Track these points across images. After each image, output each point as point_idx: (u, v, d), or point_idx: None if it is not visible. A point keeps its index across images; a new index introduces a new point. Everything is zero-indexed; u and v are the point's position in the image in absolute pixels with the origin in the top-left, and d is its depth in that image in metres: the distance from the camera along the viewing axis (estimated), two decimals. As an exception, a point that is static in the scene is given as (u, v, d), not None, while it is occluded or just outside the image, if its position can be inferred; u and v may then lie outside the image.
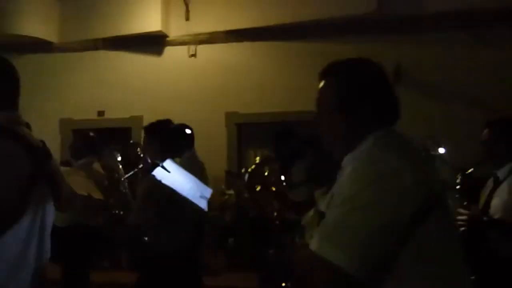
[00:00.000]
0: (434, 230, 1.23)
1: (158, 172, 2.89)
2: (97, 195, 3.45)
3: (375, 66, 1.51)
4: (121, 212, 3.55)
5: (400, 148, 1.34)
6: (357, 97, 1.42)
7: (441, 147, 5.02)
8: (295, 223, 3.38)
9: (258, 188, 3.64)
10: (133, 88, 7.38)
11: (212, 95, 7.24)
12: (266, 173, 4.67)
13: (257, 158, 3.82)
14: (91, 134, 4.22)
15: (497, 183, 2.89)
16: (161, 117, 6.78)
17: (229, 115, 7.25)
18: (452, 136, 5.46)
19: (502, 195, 2.80)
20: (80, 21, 7.31)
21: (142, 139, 7.12)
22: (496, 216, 2.77)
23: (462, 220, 2.77)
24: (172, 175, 2.90)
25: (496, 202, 2.82)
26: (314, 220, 2.97)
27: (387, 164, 1.25)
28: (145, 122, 7.96)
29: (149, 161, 3.51)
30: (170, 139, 3.41)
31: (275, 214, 3.22)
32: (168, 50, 7.47)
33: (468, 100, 6.58)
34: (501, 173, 2.88)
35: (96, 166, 4.10)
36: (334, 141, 1.46)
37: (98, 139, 4.29)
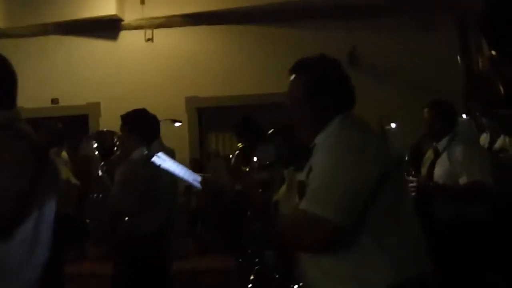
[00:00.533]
0: (393, 192, 1.58)
1: (156, 160, 2.97)
2: (73, 180, 3.46)
3: (335, 63, 1.78)
4: (100, 195, 3.62)
5: (362, 127, 1.70)
6: (321, 89, 1.72)
7: (392, 123, 5.69)
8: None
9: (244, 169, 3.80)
10: (89, 74, 7.19)
11: (171, 80, 7.18)
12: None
13: (239, 145, 3.91)
14: (59, 125, 4.19)
15: (438, 155, 3.35)
16: (120, 104, 6.77)
17: (189, 100, 7.24)
18: (400, 115, 5.85)
19: (444, 164, 3.26)
20: (28, 4, 6.99)
21: (100, 127, 7.04)
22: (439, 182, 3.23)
23: (412, 187, 3.13)
24: (166, 163, 2.98)
25: (438, 170, 3.28)
26: (288, 194, 3.16)
27: (355, 139, 1.60)
28: (103, 109, 7.95)
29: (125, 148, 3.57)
30: (149, 128, 3.47)
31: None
32: (124, 35, 7.31)
33: (414, 83, 6.95)
34: (440, 146, 3.33)
35: (64, 155, 4.10)
36: (305, 125, 1.77)
37: (63, 129, 4.25)
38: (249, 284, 2.62)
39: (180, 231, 5.76)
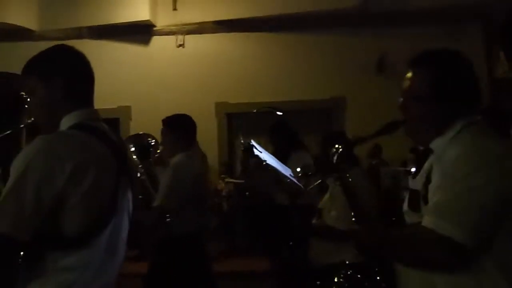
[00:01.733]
0: None
1: (257, 153, 3.01)
2: None
3: (464, 57, 1.59)
4: (140, 197, 3.66)
5: (497, 137, 1.50)
6: (450, 86, 1.52)
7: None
8: (308, 207, 3.56)
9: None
10: (120, 78, 7.28)
11: (201, 85, 7.26)
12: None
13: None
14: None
15: None
16: (150, 107, 6.87)
17: (219, 105, 7.31)
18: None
19: None
20: (62, 8, 7.11)
21: (131, 130, 7.09)
22: None
23: None
24: (264, 155, 3.04)
25: None
26: (331, 203, 3.13)
27: (491, 150, 1.40)
28: (133, 113, 8.02)
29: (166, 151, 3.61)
30: (191, 132, 3.56)
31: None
32: (156, 40, 7.42)
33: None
34: None
35: None
36: (422, 126, 1.57)
37: None
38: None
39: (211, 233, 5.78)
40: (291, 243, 3.35)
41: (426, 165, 1.55)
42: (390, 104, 7.38)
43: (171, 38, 7.36)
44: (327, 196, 3.15)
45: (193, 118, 6.22)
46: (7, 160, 1.56)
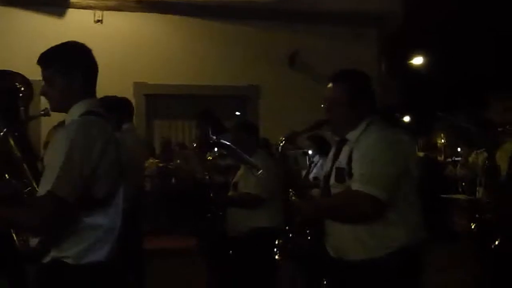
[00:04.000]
0: (408, 178, 2.11)
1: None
2: None
3: (367, 76, 2.30)
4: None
5: (389, 128, 2.20)
6: (359, 96, 2.21)
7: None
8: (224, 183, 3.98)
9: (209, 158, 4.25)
10: (30, 50, 6.77)
11: (119, 64, 7.13)
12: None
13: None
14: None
15: None
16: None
17: (137, 85, 7.28)
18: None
19: None
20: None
21: (41, 106, 6.80)
22: None
23: None
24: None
25: None
26: (244, 176, 3.56)
27: (390, 138, 2.13)
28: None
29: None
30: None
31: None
32: (72, 13, 7.12)
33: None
34: None
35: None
36: (341, 123, 2.23)
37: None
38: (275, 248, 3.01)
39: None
40: (208, 215, 3.65)
41: (346, 150, 2.19)
42: (300, 95, 8.19)
43: (89, 12, 7.12)
44: (240, 171, 3.55)
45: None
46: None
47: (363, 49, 7.93)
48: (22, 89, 2.37)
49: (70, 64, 1.88)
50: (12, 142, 2.05)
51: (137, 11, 7.30)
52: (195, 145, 4.86)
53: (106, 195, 1.79)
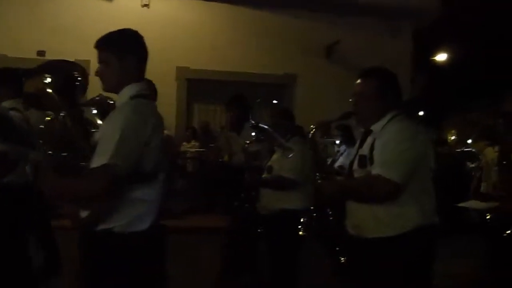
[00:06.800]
0: (424, 165, 2.30)
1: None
2: None
3: (393, 73, 2.46)
4: None
5: (411, 121, 2.40)
6: (386, 91, 2.37)
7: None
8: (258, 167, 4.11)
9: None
10: (79, 31, 7.18)
11: (164, 48, 7.35)
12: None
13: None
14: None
15: None
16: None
17: (180, 70, 7.53)
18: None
19: None
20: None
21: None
22: None
23: None
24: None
25: None
26: (280, 160, 3.69)
27: (411, 129, 2.31)
28: (92, 68, 7.85)
29: None
30: None
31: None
32: (120, -4, 7.40)
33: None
34: None
35: None
36: (367, 116, 2.40)
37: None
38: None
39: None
40: (242, 195, 3.81)
41: (370, 139, 2.35)
42: (334, 86, 8.26)
43: (137, -4, 7.39)
44: (275, 156, 3.70)
45: (153, 81, 6.49)
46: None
47: (398, 44, 7.98)
48: (79, 78, 2.45)
49: (126, 49, 2.00)
50: (69, 124, 2.19)
51: (183, -3, 7.52)
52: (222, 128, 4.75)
53: (154, 170, 1.92)
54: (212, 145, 5.10)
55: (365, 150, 2.35)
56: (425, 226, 2.23)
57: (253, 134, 4.19)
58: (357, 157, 2.40)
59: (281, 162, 3.55)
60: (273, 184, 3.56)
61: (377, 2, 7.81)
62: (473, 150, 5.29)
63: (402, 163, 2.20)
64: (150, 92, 2.07)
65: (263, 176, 3.69)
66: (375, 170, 2.23)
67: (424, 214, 2.24)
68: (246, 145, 4.19)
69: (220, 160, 4.61)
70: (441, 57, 14.65)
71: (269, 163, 3.73)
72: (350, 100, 2.44)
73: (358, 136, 2.55)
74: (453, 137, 8.99)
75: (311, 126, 2.68)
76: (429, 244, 2.28)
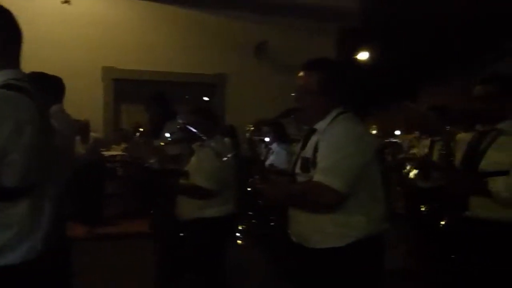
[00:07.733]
0: (372, 170, 2.09)
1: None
2: None
3: (340, 65, 2.33)
4: None
5: (358, 121, 2.17)
6: (331, 85, 2.14)
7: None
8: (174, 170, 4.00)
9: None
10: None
11: (88, 48, 7.11)
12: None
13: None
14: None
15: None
16: (33, 67, 6.48)
17: (106, 70, 7.26)
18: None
19: None
20: None
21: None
22: None
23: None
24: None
25: None
26: (198, 164, 3.56)
27: (356, 131, 2.08)
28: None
29: None
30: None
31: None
32: (38, -8, 6.98)
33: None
34: None
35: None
36: (311, 113, 2.17)
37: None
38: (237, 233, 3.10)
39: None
40: (160, 200, 3.67)
41: (314, 139, 2.15)
42: (264, 85, 8.37)
43: (55, -8, 7.01)
44: (193, 159, 3.46)
45: (78, 81, 6.22)
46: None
47: (323, 43, 8.20)
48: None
49: None
50: None
51: (106, -6, 7.25)
52: (142, 130, 4.39)
53: (25, 183, 1.49)
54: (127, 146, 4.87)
55: (308, 151, 2.14)
56: (373, 235, 2.07)
57: (167, 135, 3.99)
58: (300, 159, 2.20)
59: (197, 169, 3.33)
60: (188, 193, 3.34)
61: (305, 2, 8.00)
62: (397, 141, 5.45)
63: (345, 170, 1.99)
64: (27, 84, 1.59)
65: (180, 182, 3.44)
66: (317, 176, 2.02)
67: (373, 222, 2.07)
68: (162, 146, 4.00)
69: (143, 163, 4.41)
70: (363, 55, 15.32)
71: (187, 168, 3.49)
72: (292, 94, 2.20)
73: (293, 133, 2.42)
74: (374, 132, 9.43)
75: (249, 125, 2.47)
76: (377, 254, 2.13)
